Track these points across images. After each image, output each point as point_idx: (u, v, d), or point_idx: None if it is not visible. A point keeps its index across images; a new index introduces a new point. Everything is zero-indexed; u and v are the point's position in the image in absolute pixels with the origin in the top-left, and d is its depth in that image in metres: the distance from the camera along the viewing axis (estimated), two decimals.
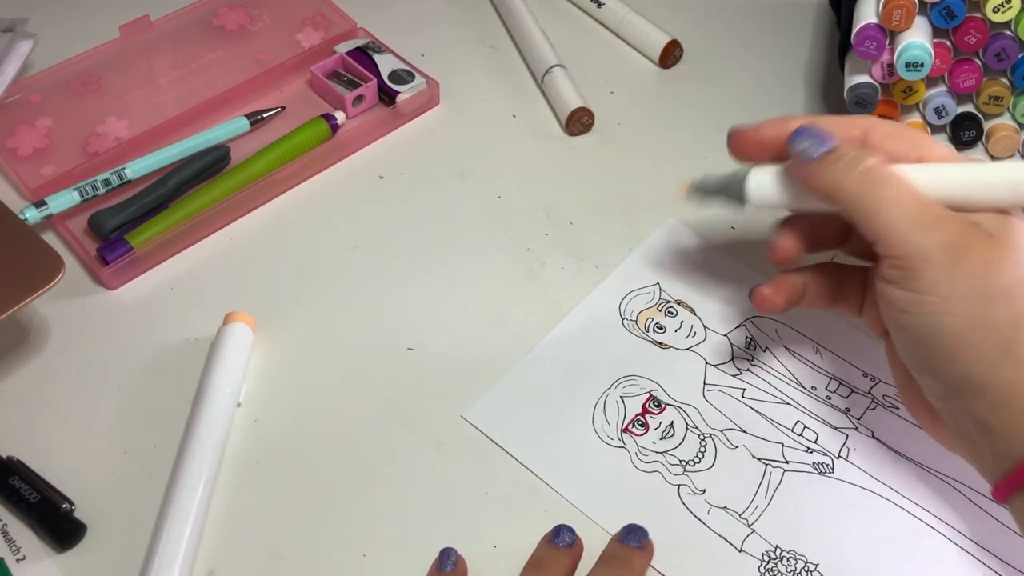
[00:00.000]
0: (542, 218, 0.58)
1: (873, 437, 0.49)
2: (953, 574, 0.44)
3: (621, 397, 0.50)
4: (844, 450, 0.49)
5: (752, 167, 0.45)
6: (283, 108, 0.63)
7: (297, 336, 0.52)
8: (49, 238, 0.55)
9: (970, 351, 0.38)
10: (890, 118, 0.55)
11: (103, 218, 0.55)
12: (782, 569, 0.44)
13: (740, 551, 0.45)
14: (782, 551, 0.45)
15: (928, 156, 0.42)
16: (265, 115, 0.62)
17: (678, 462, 0.48)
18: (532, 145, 0.62)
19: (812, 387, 0.51)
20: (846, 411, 0.50)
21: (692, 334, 0.53)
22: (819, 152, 0.42)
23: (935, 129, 0.57)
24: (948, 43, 0.52)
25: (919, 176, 0.41)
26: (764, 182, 0.45)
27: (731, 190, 0.45)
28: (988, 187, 0.40)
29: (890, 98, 0.55)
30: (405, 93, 0.62)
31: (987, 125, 0.55)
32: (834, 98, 0.65)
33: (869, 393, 0.50)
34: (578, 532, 0.44)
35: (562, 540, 0.43)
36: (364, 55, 0.64)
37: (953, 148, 0.45)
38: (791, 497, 0.47)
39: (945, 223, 0.39)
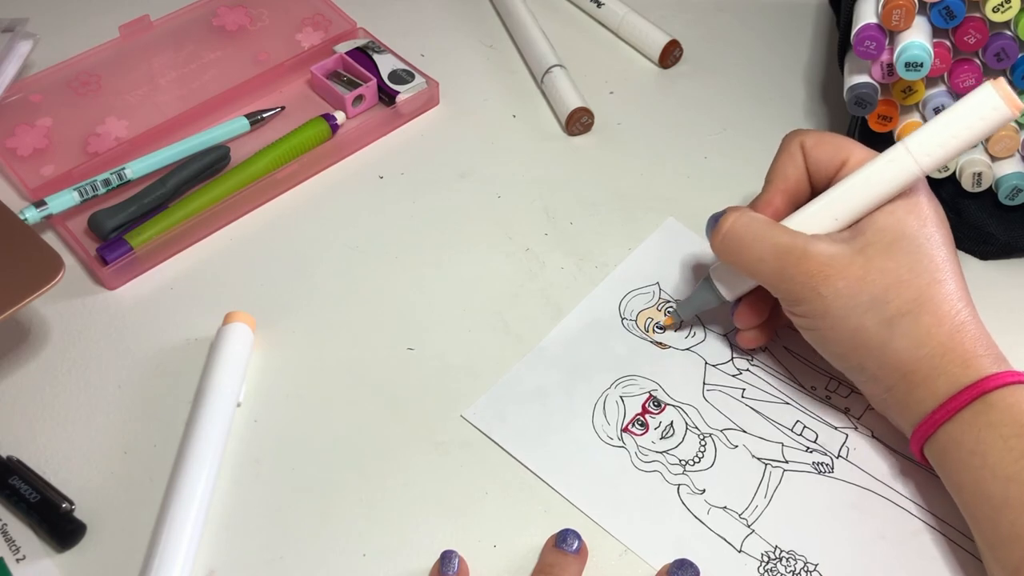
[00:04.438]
0: (542, 218, 0.58)
1: (873, 437, 0.49)
2: (953, 574, 0.44)
3: (621, 397, 0.50)
4: (844, 450, 0.49)
5: (709, 270, 0.51)
6: (283, 108, 0.63)
7: (297, 336, 0.52)
8: (49, 238, 0.55)
9: (857, 351, 0.45)
10: (889, 118, 0.55)
11: (103, 218, 0.55)
12: (782, 569, 0.44)
13: (740, 551, 0.45)
14: (782, 551, 0.45)
15: (850, 157, 0.47)
16: (265, 115, 0.62)
17: (678, 462, 0.48)
18: (532, 145, 0.62)
19: (812, 387, 0.51)
20: (846, 411, 0.50)
21: (692, 334, 0.53)
22: (709, 231, 0.49)
23: None
24: (948, 43, 0.52)
25: (795, 222, 0.47)
26: (723, 276, 0.50)
27: (705, 298, 0.51)
28: (848, 211, 0.45)
29: (890, 98, 0.55)
30: (405, 93, 0.62)
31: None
32: (834, 98, 0.65)
33: None
34: (578, 532, 0.44)
35: (569, 545, 0.43)
36: (364, 55, 0.64)
37: (871, 149, 0.46)
38: (791, 497, 0.47)
39: (804, 261, 0.44)
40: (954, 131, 0.43)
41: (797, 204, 0.48)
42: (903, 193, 0.45)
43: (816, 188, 0.49)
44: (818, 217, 0.46)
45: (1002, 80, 0.42)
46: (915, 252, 0.44)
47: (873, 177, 0.45)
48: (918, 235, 0.44)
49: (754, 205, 0.49)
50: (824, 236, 0.46)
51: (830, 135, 0.48)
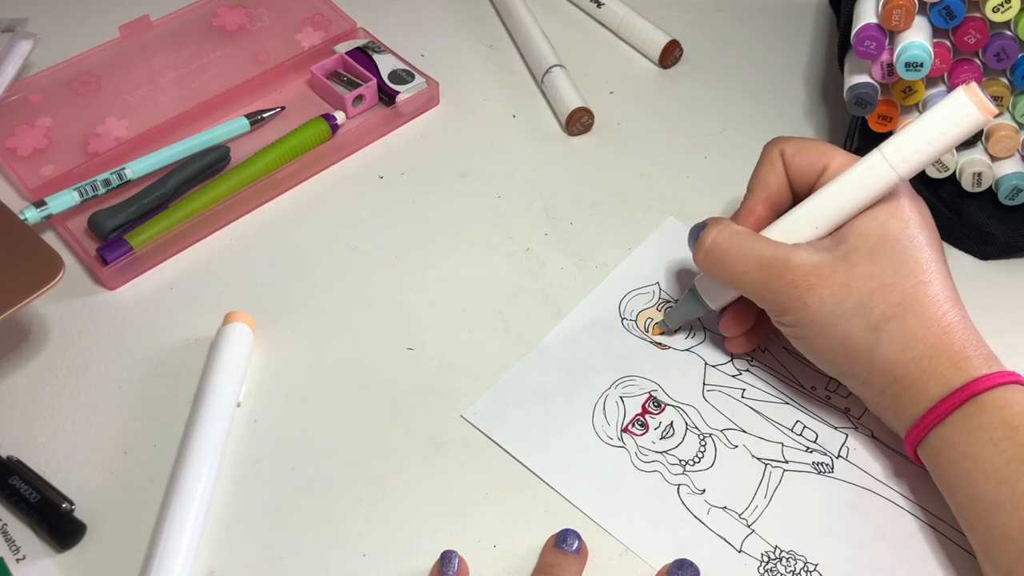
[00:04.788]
0: (542, 218, 0.58)
1: (873, 437, 0.49)
2: (952, 573, 0.44)
3: (621, 397, 0.50)
4: (844, 449, 0.49)
5: (694, 280, 0.51)
6: (283, 108, 0.63)
7: (297, 336, 0.52)
8: (49, 238, 0.55)
9: (846, 357, 0.45)
10: (889, 118, 0.55)
11: (103, 218, 0.55)
12: (782, 569, 0.44)
13: (740, 551, 0.45)
14: (782, 551, 0.45)
15: (830, 164, 0.47)
16: (265, 115, 0.62)
17: (678, 462, 0.48)
18: (532, 145, 0.62)
19: (812, 387, 0.51)
20: (845, 411, 0.50)
21: (692, 334, 0.53)
22: (692, 243, 0.49)
23: None
24: (948, 43, 0.52)
25: (776, 232, 0.47)
26: (707, 287, 0.50)
27: (691, 308, 0.51)
28: (829, 218, 0.46)
29: (890, 98, 0.55)
30: (405, 93, 0.62)
31: (987, 125, 0.55)
32: (834, 98, 0.65)
33: None
34: (579, 532, 0.44)
35: (569, 546, 0.43)
36: (364, 55, 0.64)
37: (851, 154, 0.47)
38: (791, 497, 0.47)
39: (788, 272, 0.44)
40: (929, 137, 0.43)
41: (779, 212, 0.48)
42: (885, 197, 0.45)
43: (798, 195, 0.49)
44: (799, 225, 0.46)
45: (974, 85, 0.42)
46: (898, 255, 0.44)
47: (852, 184, 0.45)
48: (901, 238, 0.44)
49: (736, 215, 0.49)
50: (806, 245, 0.46)
51: (810, 141, 0.48)
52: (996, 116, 0.55)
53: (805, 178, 0.48)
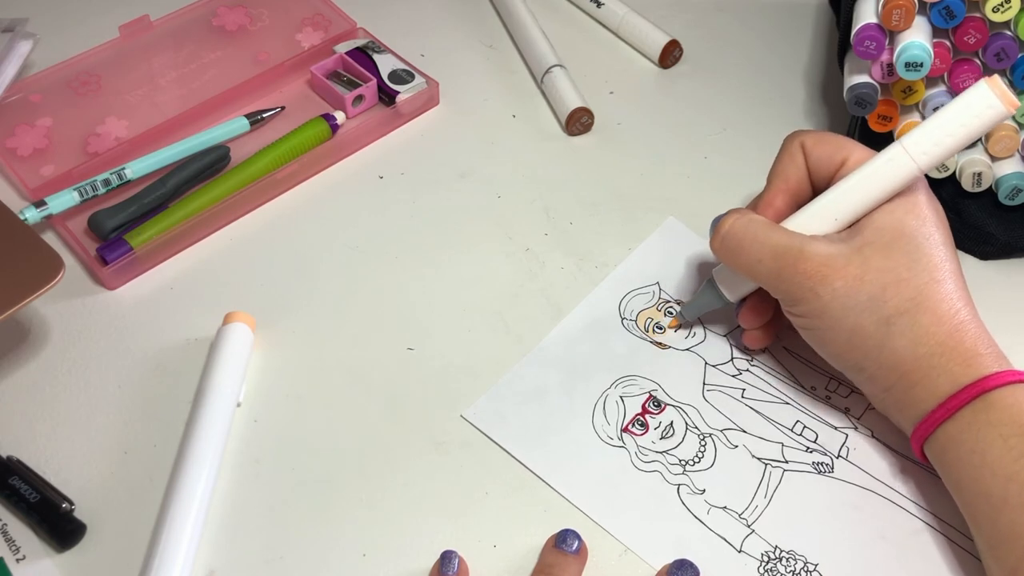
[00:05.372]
0: (542, 218, 0.58)
1: (873, 437, 0.49)
2: (953, 574, 0.44)
3: (621, 397, 0.50)
4: (844, 449, 0.49)
5: (712, 271, 0.51)
6: (283, 108, 0.63)
7: (297, 336, 0.52)
8: (49, 238, 0.55)
9: (855, 351, 0.45)
10: (889, 118, 0.55)
11: (103, 218, 0.55)
12: (782, 569, 0.44)
13: (740, 551, 0.45)
14: (782, 551, 0.45)
15: (849, 157, 0.47)
16: (265, 115, 0.62)
17: (678, 462, 0.48)
18: (532, 145, 0.62)
19: (812, 387, 0.51)
20: (846, 411, 0.50)
21: (692, 334, 0.53)
22: (711, 231, 0.49)
23: None
24: (948, 43, 0.52)
25: (796, 224, 0.47)
26: (725, 278, 0.50)
27: (709, 299, 0.51)
28: (847, 210, 0.46)
29: (890, 98, 0.55)
30: (405, 93, 0.62)
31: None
32: (834, 98, 0.65)
33: None
34: (578, 532, 0.44)
35: (569, 546, 0.43)
36: (364, 55, 0.64)
37: (871, 148, 0.47)
38: (791, 497, 0.47)
39: (801, 262, 0.44)
40: (950, 129, 0.43)
41: (798, 204, 0.48)
42: (902, 192, 0.45)
43: (817, 188, 0.49)
44: (818, 217, 0.46)
45: (996, 77, 0.42)
46: (914, 251, 0.44)
47: (871, 176, 0.45)
48: (917, 234, 0.44)
49: (755, 206, 0.49)
50: (822, 236, 0.46)
51: (830, 135, 0.48)
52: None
53: (824, 171, 0.48)
